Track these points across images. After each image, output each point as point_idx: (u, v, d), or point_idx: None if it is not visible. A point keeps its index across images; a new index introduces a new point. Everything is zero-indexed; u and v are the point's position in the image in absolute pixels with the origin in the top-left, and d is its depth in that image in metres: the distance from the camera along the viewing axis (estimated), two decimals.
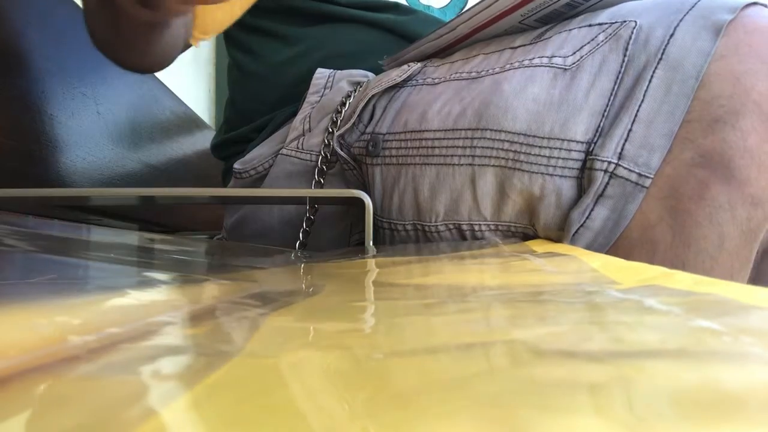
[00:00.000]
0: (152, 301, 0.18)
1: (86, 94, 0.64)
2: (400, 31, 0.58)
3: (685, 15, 0.39)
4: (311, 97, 0.53)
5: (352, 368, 0.11)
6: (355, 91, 0.51)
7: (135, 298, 0.18)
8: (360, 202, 0.45)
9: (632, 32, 0.40)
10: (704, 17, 0.38)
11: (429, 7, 0.61)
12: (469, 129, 0.42)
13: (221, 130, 0.63)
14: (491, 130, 0.41)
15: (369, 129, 0.48)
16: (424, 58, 0.52)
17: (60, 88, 0.59)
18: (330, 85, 0.53)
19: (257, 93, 0.59)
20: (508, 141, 0.41)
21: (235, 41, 0.62)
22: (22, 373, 0.10)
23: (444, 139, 0.44)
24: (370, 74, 0.54)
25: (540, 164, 0.40)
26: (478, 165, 0.42)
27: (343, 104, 0.50)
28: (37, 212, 0.54)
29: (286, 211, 0.53)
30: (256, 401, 0.09)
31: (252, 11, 0.59)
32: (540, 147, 0.40)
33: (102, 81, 0.68)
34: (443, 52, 0.52)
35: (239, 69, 0.61)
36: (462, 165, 0.43)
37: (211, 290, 0.21)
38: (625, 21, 0.41)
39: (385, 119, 0.48)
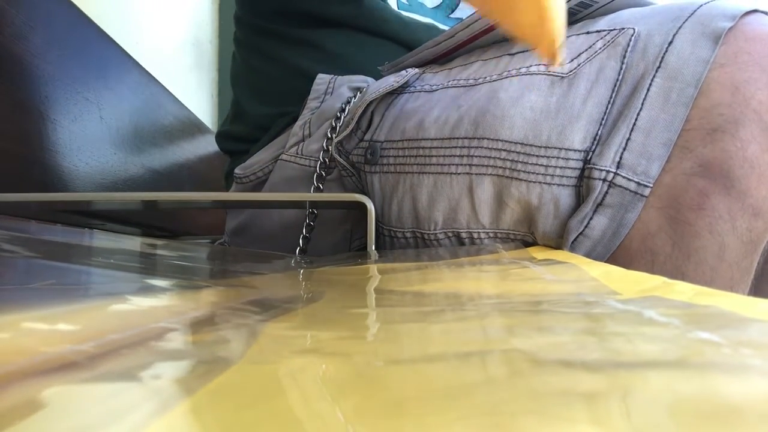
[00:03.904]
0: (152, 307, 0.18)
1: (89, 98, 0.64)
2: (402, 40, 0.58)
3: (684, 22, 0.39)
4: (311, 103, 0.54)
5: (350, 376, 0.11)
6: (354, 96, 0.51)
7: (135, 304, 0.18)
8: (362, 207, 0.45)
9: (630, 40, 0.39)
10: (703, 24, 0.38)
11: (422, 4, 0.62)
12: (466, 138, 0.42)
13: (226, 121, 0.64)
14: (488, 138, 0.41)
15: (367, 136, 0.48)
16: (424, 64, 0.52)
17: (63, 92, 0.59)
18: (330, 90, 0.54)
19: (260, 88, 0.59)
20: (505, 150, 0.41)
21: (242, 40, 0.63)
22: (21, 379, 0.10)
23: (441, 147, 0.44)
24: (371, 80, 0.54)
25: (537, 173, 0.39)
26: (476, 174, 0.42)
27: (343, 110, 0.50)
28: (39, 217, 0.54)
29: (286, 216, 0.53)
30: (256, 408, 0.09)
31: (260, 14, 0.60)
32: (537, 156, 0.39)
33: (105, 86, 0.69)
34: (443, 59, 0.52)
35: (245, 63, 0.62)
36: (459, 174, 0.43)
37: (210, 296, 0.21)
38: (623, 28, 0.41)
39: (383, 127, 0.48)
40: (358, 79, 0.54)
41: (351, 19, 0.57)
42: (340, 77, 0.54)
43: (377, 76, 0.54)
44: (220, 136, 0.63)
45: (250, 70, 0.62)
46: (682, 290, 0.19)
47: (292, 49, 0.59)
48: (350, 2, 0.57)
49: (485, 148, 0.41)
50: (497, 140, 0.41)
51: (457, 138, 0.43)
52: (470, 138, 0.42)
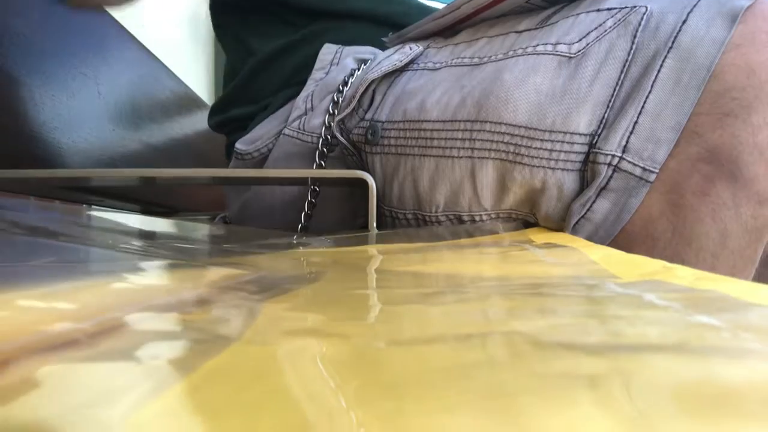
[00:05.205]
0: (151, 285, 0.18)
1: (87, 74, 0.63)
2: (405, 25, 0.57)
3: (699, 0, 0.37)
4: (316, 74, 0.53)
5: (350, 357, 0.11)
6: (358, 69, 0.50)
7: (134, 282, 0.18)
8: (364, 183, 0.45)
9: (642, 18, 0.38)
10: (720, 3, 0.37)
11: None
12: (469, 120, 0.42)
13: (220, 106, 0.61)
14: (491, 122, 0.40)
15: (368, 116, 0.47)
16: (428, 36, 0.51)
17: (60, 68, 0.58)
18: (337, 61, 0.52)
19: (260, 73, 0.58)
20: (508, 134, 0.40)
21: (242, 22, 0.61)
22: (21, 356, 0.10)
23: (443, 130, 0.43)
24: (378, 51, 0.53)
25: (542, 158, 0.39)
26: (478, 158, 0.41)
27: (345, 83, 0.49)
28: (38, 193, 0.54)
29: (288, 193, 0.52)
30: (254, 388, 0.09)
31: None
32: (542, 140, 0.39)
33: (102, 61, 0.68)
34: (447, 31, 0.51)
35: (244, 47, 0.60)
36: (461, 158, 0.42)
37: (210, 275, 0.21)
38: (635, 6, 0.39)
39: (384, 106, 0.47)
40: (365, 50, 0.53)
41: (369, 13, 0.56)
42: (347, 47, 0.53)
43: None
44: (217, 126, 0.61)
45: (248, 52, 0.59)
46: (683, 275, 0.19)
47: (291, 31, 0.57)
48: None
49: (488, 131, 0.41)
50: (500, 123, 0.40)
51: (460, 121, 0.42)
52: (473, 121, 0.41)
